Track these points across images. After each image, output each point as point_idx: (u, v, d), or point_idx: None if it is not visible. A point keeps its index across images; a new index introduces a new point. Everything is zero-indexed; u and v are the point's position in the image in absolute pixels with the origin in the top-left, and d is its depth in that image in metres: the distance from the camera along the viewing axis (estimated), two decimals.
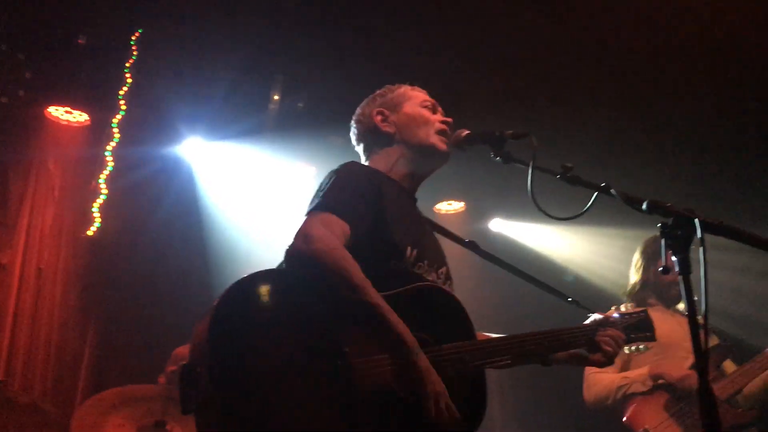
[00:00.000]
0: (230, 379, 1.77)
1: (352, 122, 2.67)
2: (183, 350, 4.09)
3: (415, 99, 2.60)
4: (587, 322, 2.48)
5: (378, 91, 2.68)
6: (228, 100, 5.40)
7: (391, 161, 2.50)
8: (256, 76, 5.45)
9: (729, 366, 3.80)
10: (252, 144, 5.82)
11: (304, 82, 5.64)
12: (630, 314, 2.54)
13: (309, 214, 2.14)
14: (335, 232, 2.07)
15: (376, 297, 1.99)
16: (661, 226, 1.76)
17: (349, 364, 1.90)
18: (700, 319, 1.68)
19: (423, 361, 1.96)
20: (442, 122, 2.55)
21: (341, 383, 1.88)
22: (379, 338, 1.97)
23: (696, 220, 1.70)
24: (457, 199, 7.07)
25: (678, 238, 1.72)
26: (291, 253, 2.04)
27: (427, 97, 2.64)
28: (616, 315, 2.53)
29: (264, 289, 1.96)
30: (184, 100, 5.28)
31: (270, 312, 1.94)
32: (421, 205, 2.61)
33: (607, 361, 2.40)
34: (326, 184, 2.24)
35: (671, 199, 1.83)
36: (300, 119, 5.80)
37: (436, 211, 7.03)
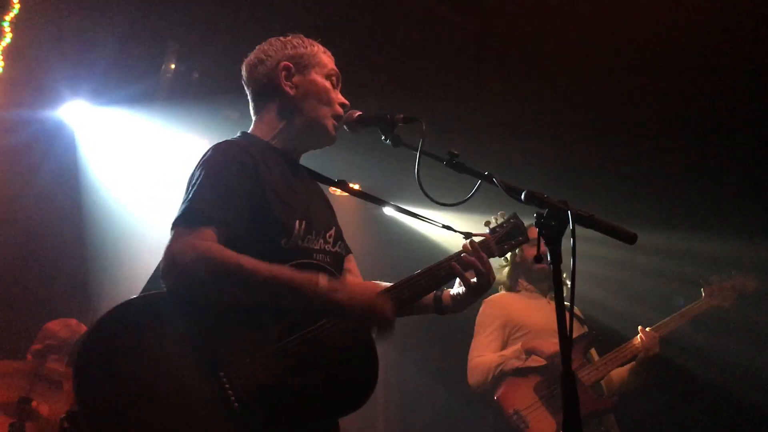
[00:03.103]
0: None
1: (252, 58, 2.46)
2: (52, 326, 3.93)
3: (325, 66, 2.45)
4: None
5: (290, 37, 2.47)
6: (117, 62, 5.12)
7: (276, 129, 2.39)
8: (148, 40, 5.19)
9: (595, 354, 4.02)
10: (142, 111, 5.56)
11: (200, 52, 5.43)
12: (500, 226, 2.51)
13: (174, 228, 2.00)
14: (205, 238, 1.98)
15: (261, 270, 1.96)
16: (536, 216, 1.82)
17: (224, 385, 1.91)
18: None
19: (339, 293, 1.98)
20: (341, 105, 2.46)
21: (221, 403, 1.89)
22: (252, 330, 1.98)
23: (569, 212, 1.76)
24: (352, 181, 7.07)
25: (551, 228, 1.78)
26: (163, 276, 1.96)
27: (335, 68, 2.50)
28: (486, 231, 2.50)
29: (131, 320, 1.93)
30: (66, 60, 4.95)
31: (140, 342, 1.90)
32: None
33: (481, 280, 2.30)
34: (194, 183, 2.09)
35: (551, 192, 1.90)
36: (195, 89, 5.59)
37: (332, 192, 7.01)
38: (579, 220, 1.75)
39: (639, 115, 5.69)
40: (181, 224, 2.00)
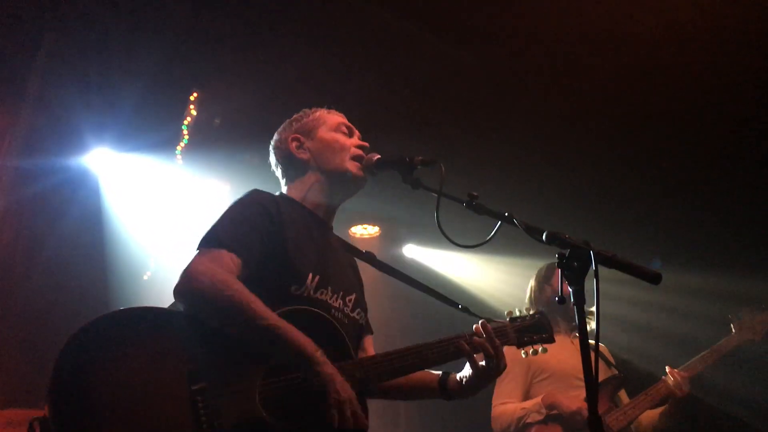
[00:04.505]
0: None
1: (270, 147, 2.64)
2: None
3: (330, 123, 2.57)
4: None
5: (295, 115, 2.65)
6: (140, 110, 5.22)
7: (305, 188, 2.48)
8: (170, 88, 5.30)
9: (624, 397, 3.92)
10: (164, 158, 5.65)
11: (221, 99, 5.54)
12: (524, 317, 2.45)
13: (197, 250, 2.11)
14: (224, 266, 2.05)
15: (270, 317, 1.97)
16: (558, 257, 1.80)
17: (199, 409, 1.88)
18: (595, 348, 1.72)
19: (329, 367, 1.95)
20: (358, 146, 2.52)
21: (193, 427, 1.86)
22: (239, 361, 1.96)
23: (591, 252, 1.74)
24: (372, 223, 7.10)
25: (573, 269, 1.76)
26: (176, 291, 2.01)
27: (344, 120, 2.61)
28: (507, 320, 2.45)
29: (109, 337, 1.92)
30: (91, 108, 5.06)
31: (116, 359, 1.89)
32: (335, 227, 2.58)
33: (490, 364, 2.27)
34: (220, 217, 2.22)
35: (574, 231, 1.88)
36: (216, 135, 5.68)
37: (351, 235, 7.04)
38: (601, 260, 1.73)
39: (666, 155, 5.67)
40: (200, 246, 2.12)
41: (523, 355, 2.44)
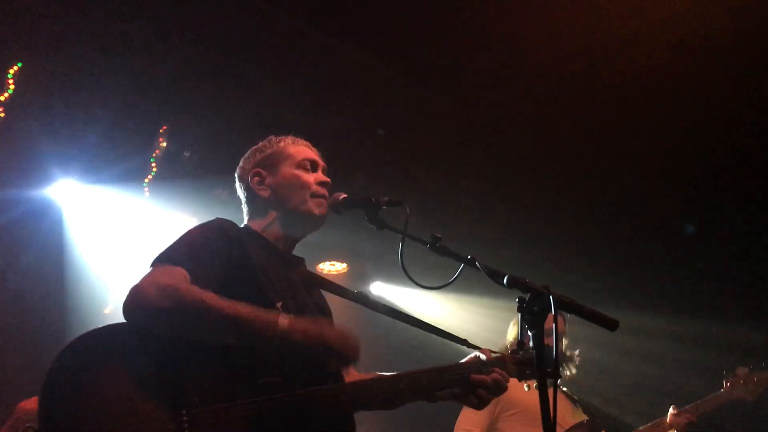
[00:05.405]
0: None
1: (235, 174, 2.60)
2: (26, 404, 3.86)
3: (294, 157, 2.51)
4: (465, 360, 2.40)
5: (260, 143, 2.59)
6: (107, 141, 5.18)
7: (266, 222, 2.46)
8: (138, 119, 5.27)
9: None
10: (131, 190, 5.59)
11: (191, 132, 5.53)
12: (526, 350, 2.43)
13: (150, 268, 2.06)
14: (175, 277, 1.99)
15: (223, 305, 1.93)
16: (518, 301, 1.82)
17: (182, 423, 1.84)
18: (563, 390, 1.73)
19: (299, 323, 1.94)
20: (320, 183, 2.49)
21: None
22: (225, 378, 1.94)
23: (551, 297, 1.77)
24: (340, 260, 7.09)
25: (533, 313, 1.78)
26: (124, 307, 1.95)
27: (309, 153, 2.55)
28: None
29: (97, 350, 1.90)
30: (57, 139, 5.00)
31: (104, 373, 1.87)
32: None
33: (479, 403, 2.33)
34: (178, 238, 2.19)
35: (546, 274, 1.91)
36: (185, 168, 5.65)
37: (319, 270, 7.01)
38: (561, 305, 1.76)
39: (640, 199, 5.77)
40: (152, 264, 2.07)
41: (526, 389, 2.43)
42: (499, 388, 2.33)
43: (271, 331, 1.92)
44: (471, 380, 2.28)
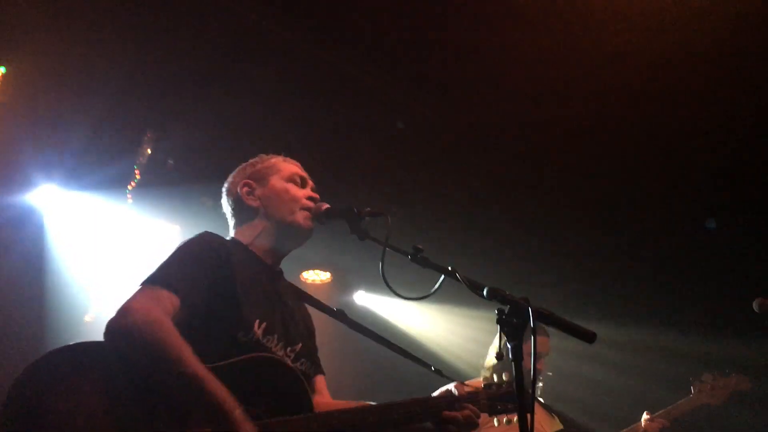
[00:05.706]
0: None
1: (223, 189, 2.63)
2: None
3: (284, 172, 2.57)
4: (436, 393, 2.40)
5: (250, 160, 2.66)
6: (91, 147, 5.14)
7: (254, 234, 2.48)
8: (123, 126, 5.24)
9: None
10: (114, 197, 5.55)
11: (175, 139, 5.50)
12: (498, 384, 2.42)
13: (139, 287, 2.09)
14: (162, 305, 2.02)
15: (195, 366, 1.91)
16: (498, 312, 1.83)
17: None
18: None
19: (247, 426, 1.87)
20: (309, 198, 2.53)
21: None
22: (193, 413, 1.90)
23: (529, 309, 1.77)
24: (324, 269, 7.08)
25: (512, 325, 1.79)
26: (108, 326, 1.96)
27: (298, 170, 2.61)
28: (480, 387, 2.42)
29: (63, 369, 1.89)
30: (39, 144, 4.96)
31: (67, 393, 1.86)
32: (287, 272, 2.57)
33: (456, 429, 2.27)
34: (168, 256, 2.20)
35: (526, 286, 1.92)
36: (169, 176, 5.62)
37: (303, 280, 6.99)
38: (539, 317, 1.76)
39: (629, 213, 5.80)
40: (142, 283, 2.09)
41: (496, 424, 2.40)
42: (470, 425, 2.30)
43: (223, 419, 1.87)
44: (442, 416, 2.26)
